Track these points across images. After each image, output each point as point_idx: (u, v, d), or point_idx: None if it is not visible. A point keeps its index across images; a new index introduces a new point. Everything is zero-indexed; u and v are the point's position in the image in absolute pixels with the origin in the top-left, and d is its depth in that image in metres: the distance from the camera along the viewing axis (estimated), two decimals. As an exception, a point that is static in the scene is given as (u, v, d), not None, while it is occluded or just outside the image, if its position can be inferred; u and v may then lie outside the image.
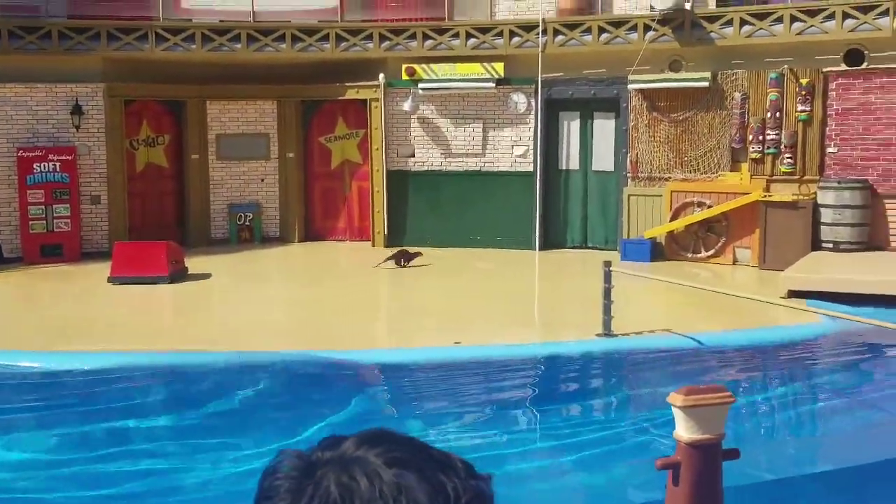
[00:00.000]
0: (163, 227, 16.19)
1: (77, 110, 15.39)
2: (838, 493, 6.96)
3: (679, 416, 5.52)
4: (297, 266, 15.60)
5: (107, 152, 15.73)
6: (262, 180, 17.24)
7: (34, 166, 14.94)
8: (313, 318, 11.77)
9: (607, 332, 10.10)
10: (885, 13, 13.03)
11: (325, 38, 16.04)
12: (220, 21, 16.21)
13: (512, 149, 15.89)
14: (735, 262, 14.01)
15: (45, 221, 15.03)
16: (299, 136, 17.14)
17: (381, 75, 16.10)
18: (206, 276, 13.79)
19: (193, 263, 14.03)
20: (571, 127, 15.69)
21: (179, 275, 13.49)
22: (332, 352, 9.95)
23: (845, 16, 13.33)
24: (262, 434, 7.89)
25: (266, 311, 12.03)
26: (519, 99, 15.70)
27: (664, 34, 14.51)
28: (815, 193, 13.37)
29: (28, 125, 15.31)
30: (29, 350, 9.94)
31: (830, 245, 13.14)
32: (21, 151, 14.99)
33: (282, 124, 17.10)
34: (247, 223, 17.08)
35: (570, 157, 15.74)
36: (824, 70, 13.61)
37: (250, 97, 16.93)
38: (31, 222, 14.98)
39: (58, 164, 15.04)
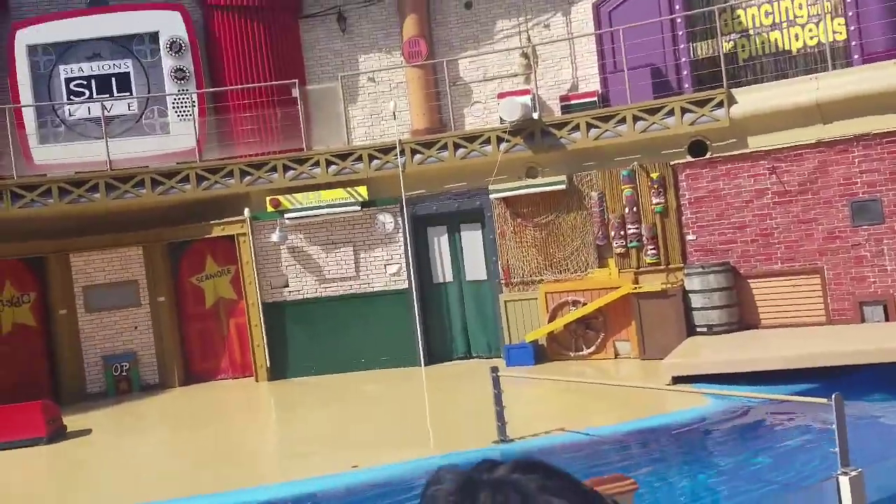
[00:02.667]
0: (36, 387, 15.26)
1: None
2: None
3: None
4: (180, 411, 14.91)
5: None
6: (136, 328, 16.50)
7: None
8: (202, 461, 11.19)
9: (503, 438, 9.97)
10: (720, 105, 13.56)
11: (186, 178, 15.68)
12: (76, 173, 15.68)
13: (385, 268, 15.67)
14: (616, 355, 14.00)
15: None
16: (169, 278, 16.54)
17: (246, 210, 15.77)
18: (86, 432, 13.12)
19: (71, 421, 13.35)
20: (441, 241, 15.61)
21: (58, 434, 12.80)
22: (221, 494, 9.43)
23: (684, 111, 13.82)
24: None
25: (153, 461, 11.44)
26: (386, 219, 15.57)
27: (517, 144, 14.73)
28: (683, 280, 13.56)
29: None
30: None
31: (705, 328, 13.29)
32: None
33: (150, 269, 16.50)
34: (123, 373, 16.29)
35: (443, 270, 15.62)
36: (672, 163, 14.00)
37: (114, 245, 16.38)
38: None
39: None
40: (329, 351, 15.65)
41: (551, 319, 14.28)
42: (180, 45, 16.77)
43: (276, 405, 14.77)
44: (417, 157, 15.25)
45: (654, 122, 13.99)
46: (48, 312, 16.20)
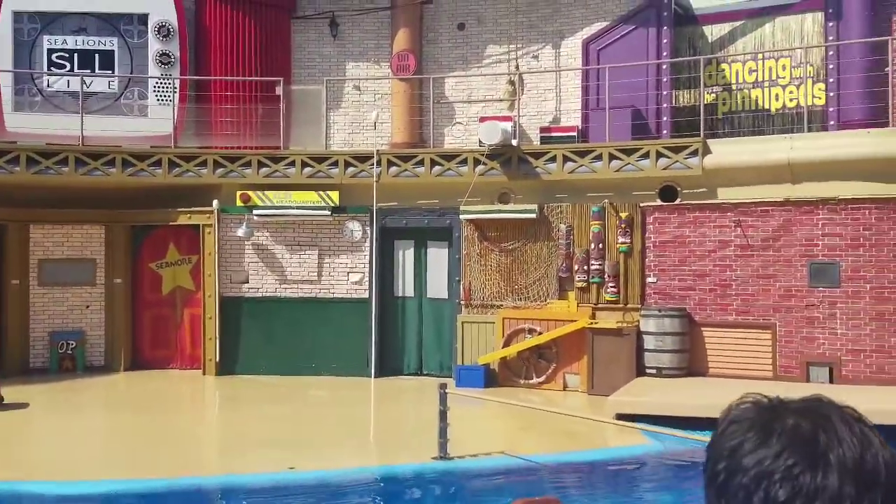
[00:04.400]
0: None
1: None
2: None
3: (520, 529, 5.46)
4: (121, 396, 14.91)
5: None
6: (87, 307, 16.48)
7: None
8: (136, 447, 11.21)
9: (443, 455, 10.10)
10: (695, 153, 13.94)
11: (158, 163, 15.76)
12: (47, 144, 15.70)
13: (348, 276, 15.83)
14: (565, 387, 14.25)
15: None
16: (128, 261, 16.58)
17: (215, 201, 15.87)
18: (23, 405, 13.07)
19: (9, 393, 13.28)
20: (406, 255, 15.82)
21: None
22: (152, 479, 9.47)
23: (658, 155, 14.17)
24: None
25: (86, 441, 11.44)
26: (354, 227, 15.75)
27: (493, 168, 15.00)
28: (639, 321, 13.85)
29: None
30: None
31: (654, 371, 13.57)
32: None
33: (109, 249, 16.52)
34: (69, 351, 16.24)
35: (405, 284, 15.82)
36: (642, 205, 14.34)
37: (77, 221, 16.37)
38: None
39: None
40: (281, 351, 15.76)
41: (506, 345, 14.51)
42: (168, 29, 16.90)
43: (220, 399, 14.82)
44: (393, 169, 15.46)
45: (628, 163, 14.32)
46: (1, 281, 16.11)
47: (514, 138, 15.07)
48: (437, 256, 15.67)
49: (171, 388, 15.21)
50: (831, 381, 13.05)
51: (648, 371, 13.60)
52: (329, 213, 15.67)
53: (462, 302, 15.15)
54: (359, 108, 17.21)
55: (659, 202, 14.27)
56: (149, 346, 16.66)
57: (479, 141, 15.30)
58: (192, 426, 12.84)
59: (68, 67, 16.78)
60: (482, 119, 15.91)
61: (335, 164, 15.72)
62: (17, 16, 16.67)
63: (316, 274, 15.89)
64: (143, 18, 16.91)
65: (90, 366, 16.31)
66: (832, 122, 14.24)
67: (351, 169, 15.64)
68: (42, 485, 9.17)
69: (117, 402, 14.36)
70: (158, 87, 16.86)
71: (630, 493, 10.16)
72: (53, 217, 16.21)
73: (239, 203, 15.73)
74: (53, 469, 9.82)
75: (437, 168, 15.28)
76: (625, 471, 10.70)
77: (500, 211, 14.90)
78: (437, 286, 15.63)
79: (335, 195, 15.63)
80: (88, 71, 16.71)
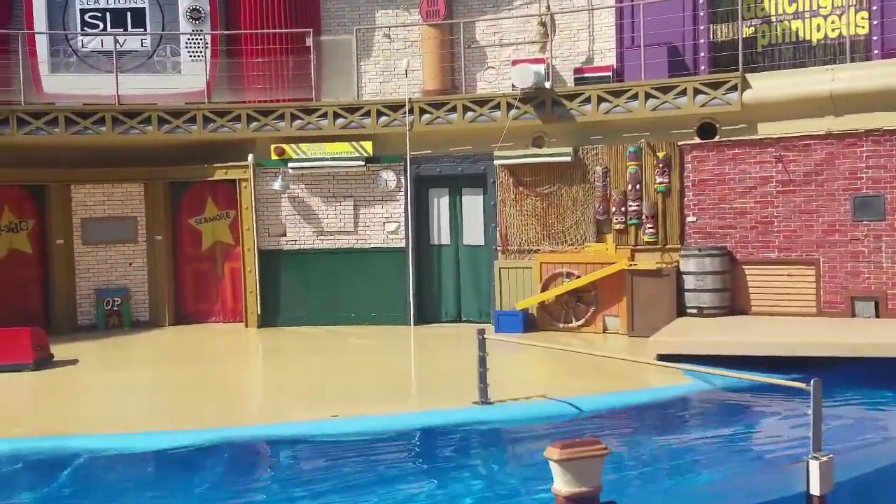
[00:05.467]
0: (27, 314, 15.42)
1: None
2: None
3: (556, 470, 5.34)
4: (167, 350, 14.94)
5: None
6: (130, 264, 16.54)
7: None
8: (183, 399, 11.27)
9: (484, 400, 10.01)
10: (734, 88, 13.49)
11: (193, 119, 15.67)
12: (84, 104, 15.68)
13: (383, 226, 15.68)
14: (605, 330, 14.00)
15: None
16: (168, 218, 16.56)
17: (250, 156, 15.77)
18: (72, 362, 13.17)
19: (59, 350, 13.40)
20: (441, 203, 15.60)
21: (44, 362, 12.85)
22: (201, 430, 9.43)
23: (696, 92, 13.74)
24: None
25: (135, 395, 11.49)
26: (388, 176, 15.56)
27: (527, 112, 14.67)
28: (678, 261, 13.54)
29: None
30: None
31: (695, 310, 13.28)
32: None
33: (149, 206, 16.52)
34: (115, 308, 16.34)
35: (440, 232, 15.62)
36: (679, 143, 13.94)
37: (116, 180, 16.36)
38: None
39: None
40: (321, 302, 15.71)
41: (544, 289, 14.29)
42: (198, -16, 16.73)
43: (263, 351, 14.83)
44: (426, 116, 15.21)
45: (665, 101, 13.92)
46: (45, 241, 16.20)
47: (547, 80, 14.71)
48: (473, 203, 15.43)
49: (214, 342, 15.23)
50: (877, 316, 12.69)
51: (689, 311, 13.31)
52: (363, 163, 15.49)
53: (499, 248, 14.93)
54: (389, 57, 16.92)
55: (697, 140, 13.87)
56: (191, 300, 16.69)
57: (512, 85, 14.96)
58: (236, 378, 12.85)
59: (101, 27, 16.69)
60: (514, 62, 15.53)
61: (367, 114, 15.50)
62: (50, -23, 16.59)
63: (352, 224, 15.76)
64: (172, -25, 16.75)
65: (136, 321, 16.41)
66: (875, 52, 13.67)
67: (383, 118, 15.42)
68: (93, 439, 9.22)
69: (164, 356, 14.42)
70: (190, 43, 16.72)
71: (673, 434, 9.98)
72: (93, 176, 16.22)
73: (273, 156, 15.61)
74: (104, 423, 9.85)
75: (469, 114, 14.99)
76: (667, 411, 10.47)
77: (534, 155, 14.60)
78: (473, 233, 15.40)
79: (368, 145, 15.43)
80: (121, 30, 16.61)
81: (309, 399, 10.88)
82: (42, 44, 16.49)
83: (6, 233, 16.03)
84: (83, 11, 16.70)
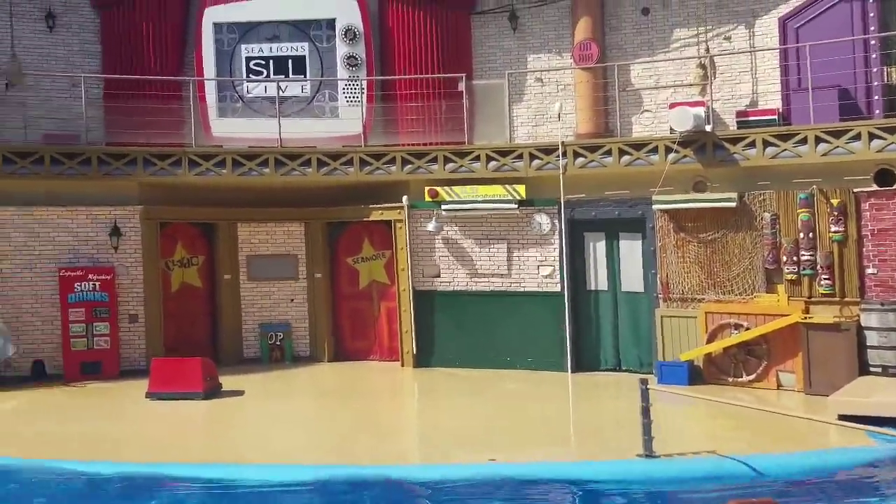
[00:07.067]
0: (197, 345, 14.62)
1: (115, 232, 14.18)
2: None
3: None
4: (326, 385, 13.90)
5: (143, 272, 14.38)
6: (292, 300, 15.41)
7: (75, 286, 13.86)
8: (343, 434, 10.56)
9: (648, 453, 8.68)
10: (917, 134, 11.33)
11: (350, 162, 14.43)
12: (249, 147, 14.69)
13: (538, 269, 14.02)
14: (779, 386, 11.95)
15: (85, 339, 13.89)
16: (326, 256, 15.40)
17: (405, 197, 14.39)
18: (238, 392, 12.62)
19: (226, 381, 12.86)
20: (597, 247, 13.79)
21: (213, 391, 12.40)
22: (362, 467, 8.86)
23: (872, 136, 11.67)
24: None
25: (298, 427, 10.96)
26: (542, 220, 13.91)
27: (686, 155, 12.82)
28: (858, 315, 11.43)
29: (69, 246, 14.08)
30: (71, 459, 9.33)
31: (878, 369, 11.19)
32: (63, 271, 13.91)
33: (309, 245, 15.40)
34: (278, 342, 15.28)
35: (597, 277, 13.76)
36: (855, 190, 11.84)
37: (278, 219, 15.37)
38: (72, 340, 13.86)
39: (97, 283, 13.95)
40: (474, 345, 14.18)
41: (710, 340, 12.34)
42: (354, 32, 15.46)
43: (419, 391, 13.49)
44: (580, 160, 13.51)
45: (837, 146, 11.86)
46: (214, 276, 15.31)
47: (708, 124, 12.81)
48: (630, 248, 13.55)
49: (371, 379, 14.04)
50: None
51: (872, 369, 11.20)
52: (516, 206, 13.90)
53: (660, 296, 13.02)
54: (542, 101, 15.23)
55: (875, 187, 11.75)
56: (349, 337, 15.44)
57: (670, 128, 13.13)
58: (394, 416, 11.93)
59: (265, 74, 15.60)
60: (672, 105, 13.68)
61: (520, 157, 13.91)
62: (218, 27, 15.64)
63: (506, 267, 14.17)
64: (330, 23, 15.55)
65: (297, 356, 15.32)
66: None
67: (536, 161, 13.80)
68: (258, 468, 8.87)
69: (324, 390, 13.49)
70: (347, 88, 15.49)
71: (857, 498, 8.11)
72: (258, 216, 15.31)
73: (427, 198, 14.19)
74: (268, 452, 9.47)
75: (625, 157, 13.23)
76: (851, 476, 8.63)
77: (696, 200, 12.69)
78: (632, 279, 13.48)
79: (521, 188, 13.85)
80: (283, 77, 15.49)
81: (465, 441, 9.84)
82: (211, 90, 15.57)
83: (178, 268, 15.21)
84: (248, 59, 15.67)
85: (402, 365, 14.53)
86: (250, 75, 15.61)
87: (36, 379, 13.58)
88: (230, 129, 15.45)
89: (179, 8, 15.84)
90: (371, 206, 14.73)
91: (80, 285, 13.79)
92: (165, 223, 14.72)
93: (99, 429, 10.83)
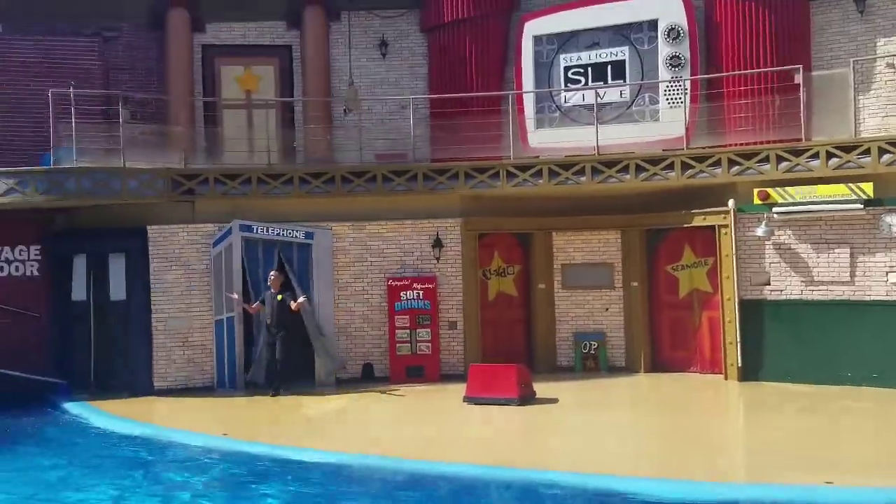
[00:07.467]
0: (512, 353, 14.35)
1: (438, 243, 14.41)
2: None
3: None
4: (644, 396, 13.00)
5: (463, 282, 14.45)
6: (607, 309, 14.66)
7: (401, 294, 14.27)
8: (662, 447, 9.82)
9: None
10: None
11: (670, 166, 13.40)
12: (566, 156, 14.22)
13: (886, 276, 11.97)
14: None
15: (409, 344, 14.26)
16: (644, 264, 14.45)
17: (731, 201, 13.05)
18: (553, 400, 12.16)
19: (540, 388, 12.51)
20: (964, 251, 11.49)
21: (528, 398, 12.10)
22: (685, 482, 8.09)
23: None
24: None
25: (614, 438, 10.31)
26: (893, 221, 11.90)
27: None
28: None
29: (397, 257, 14.49)
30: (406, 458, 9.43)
31: None
32: (391, 281, 14.35)
33: (626, 253, 14.57)
34: (591, 352, 14.60)
35: (962, 285, 11.48)
36: None
37: (594, 227, 14.75)
38: (398, 345, 14.27)
39: (421, 292, 14.25)
40: (811, 359, 12.44)
41: None
42: (678, 31, 14.52)
43: (745, 406, 12.02)
44: (943, 151, 11.34)
45: None
46: (528, 285, 15.02)
47: None
48: None
49: (693, 392, 12.81)
50: None
51: None
52: (861, 206, 12.03)
53: None
54: (894, 88, 13.17)
55: None
56: (668, 348, 14.33)
57: None
58: (716, 431, 10.63)
59: (583, 82, 15.15)
60: None
61: (867, 152, 12.03)
62: (537, 39, 15.50)
63: (848, 274, 12.27)
64: (653, 24, 14.74)
65: (612, 366, 14.52)
66: None
67: (886, 156, 11.87)
68: (571, 476, 8.47)
69: (641, 401, 12.65)
70: (669, 90, 14.51)
71: None
72: (573, 224, 14.82)
73: (756, 201, 12.75)
74: (589, 463, 8.97)
75: None
76: None
77: None
78: None
79: (868, 187, 11.97)
80: (601, 83, 14.94)
81: (796, 460, 8.74)
82: (529, 102, 15.42)
83: (495, 277, 15.10)
84: (567, 69, 15.33)
85: (726, 378, 13.11)
86: (568, 84, 15.24)
87: (365, 380, 14.11)
88: (547, 140, 15.14)
89: (502, 25, 15.95)
90: (693, 211, 13.58)
91: (406, 294, 14.17)
92: (483, 234, 14.72)
93: (425, 430, 10.82)
